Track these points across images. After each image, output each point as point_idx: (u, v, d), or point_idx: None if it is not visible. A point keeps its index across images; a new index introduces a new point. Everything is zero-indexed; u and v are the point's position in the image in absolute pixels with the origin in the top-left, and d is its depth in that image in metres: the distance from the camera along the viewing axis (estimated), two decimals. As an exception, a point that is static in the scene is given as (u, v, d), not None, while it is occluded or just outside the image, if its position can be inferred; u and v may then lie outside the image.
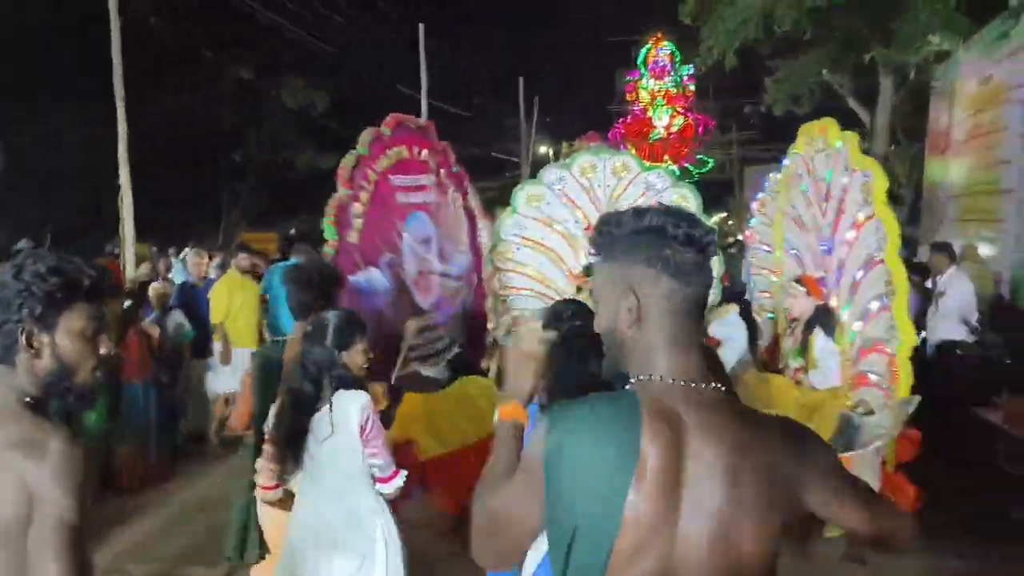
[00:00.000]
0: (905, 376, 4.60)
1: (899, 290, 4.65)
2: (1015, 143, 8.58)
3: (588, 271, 6.20)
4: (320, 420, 3.18)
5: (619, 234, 1.53)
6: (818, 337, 5.15)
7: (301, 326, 3.66)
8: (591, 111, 36.22)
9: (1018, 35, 8.71)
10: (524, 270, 6.68)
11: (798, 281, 5.49)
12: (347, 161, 5.60)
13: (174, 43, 18.84)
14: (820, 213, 5.49)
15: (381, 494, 3.25)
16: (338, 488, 3.18)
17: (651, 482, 1.37)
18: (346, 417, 3.15)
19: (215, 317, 7.45)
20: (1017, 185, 8.45)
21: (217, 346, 7.47)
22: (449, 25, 49.73)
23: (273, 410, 3.35)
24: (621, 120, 29.64)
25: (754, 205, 8.68)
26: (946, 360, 7.12)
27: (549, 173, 6.95)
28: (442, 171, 6.76)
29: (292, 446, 3.21)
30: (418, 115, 21.96)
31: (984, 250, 9.52)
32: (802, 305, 5.32)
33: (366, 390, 3.30)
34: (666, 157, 26.95)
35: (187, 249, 10.46)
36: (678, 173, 22.56)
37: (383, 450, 3.23)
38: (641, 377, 1.50)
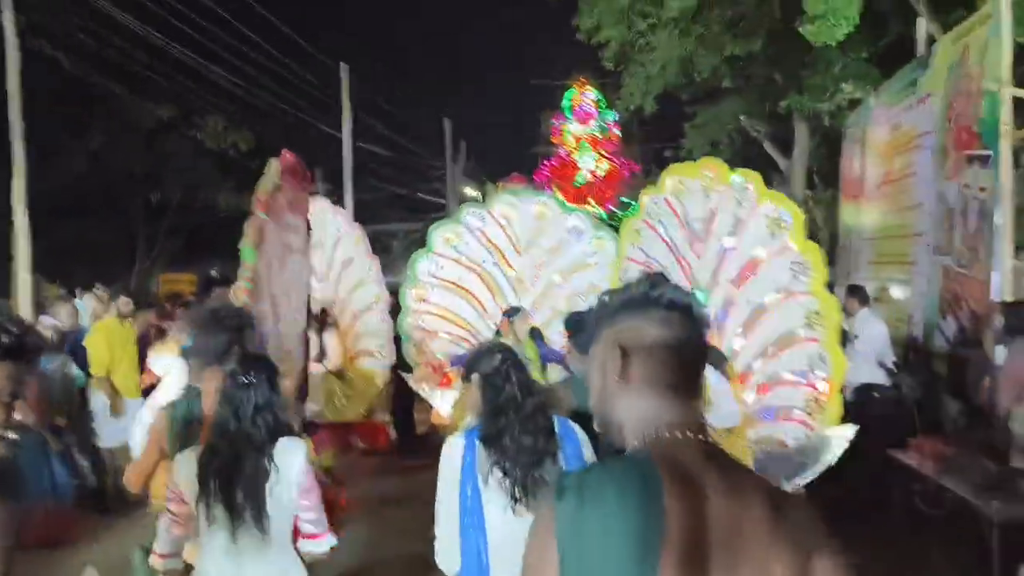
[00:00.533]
0: (835, 407, 4.65)
1: (830, 321, 4.67)
2: (924, 188, 8.78)
3: (511, 312, 6.13)
4: (256, 471, 2.84)
5: (605, 311, 1.53)
6: (710, 376, 5.02)
7: (214, 372, 3.34)
8: (516, 154, 36.53)
9: (925, 84, 8.96)
10: (439, 311, 6.50)
11: None
12: (264, 186, 5.35)
13: (84, 80, 18.23)
14: (692, 254, 5.36)
15: (304, 554, 2.97)
16: (265, 548, 2.84)
17: (681, 551, 1.25)
18: (288, 467, 2.87)
19: (96, 369, 6.95)
20: (927, 228, 8.62)
21: (101, 398, 7.03)
22: (374, 66, 49.79)
23: (186, 466, 2.94)
24: (546, 162, 29.88)
25: None
26: (862, 403, 7.15)
27: (468, 214, 6.83)
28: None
29: (218, 501, 2.82)
30: (340, 155, 21.81)
31: (897, 292, 9.68)
32: None
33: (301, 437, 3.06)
34: (591, 200, 27.22)
35: (93, 291, 10.01)
36: (605, 216, 22.75)
37: (318, 505, 2.96)
38: (648, 433, 1.41)
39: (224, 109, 24.80)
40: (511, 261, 6.89)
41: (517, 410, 2.76)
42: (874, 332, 7.61)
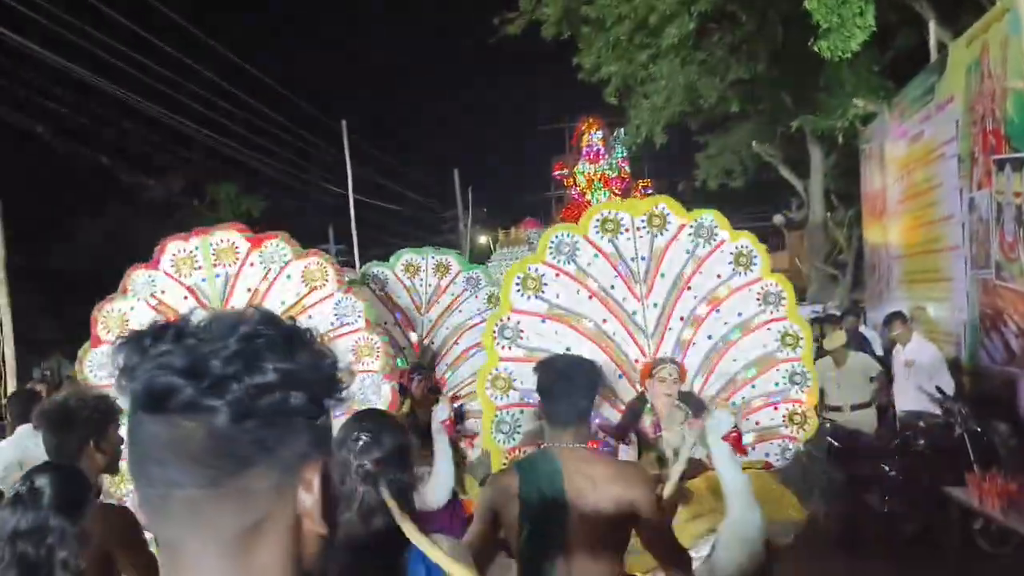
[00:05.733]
0: (813, 420, 4.81)
1: (807, 341, 4.82)
2: (953, 198, 8.30)
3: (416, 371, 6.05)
4: None
5: None
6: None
7: None
8: (528, 199, 36.37)
9: (943, 89, 8.52)
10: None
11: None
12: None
13: (95, 161, 18.23)
14: (631, 296, 4.85)
15: None
16: None
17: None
18: None
19: None
20: (960, 241, 8.13)
21: None
22: (379, 123, 50.20)
23: None
24: (561, 206, 29.70)
25: None
26: (909, 433, 6.66)
27: (372, 272, 6.81)
28: None
29: None
30: (347, 211, 21.66)
31: (933, 311, 9.18)
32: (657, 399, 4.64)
33: None
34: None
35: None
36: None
37: None
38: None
39: (234, 178, 24.86)
40: (412, 319, 6.85)
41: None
42: (931, 356, 7.35)
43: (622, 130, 15.43)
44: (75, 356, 4.99)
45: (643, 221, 4.80)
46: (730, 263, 4.81)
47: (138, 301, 4.92)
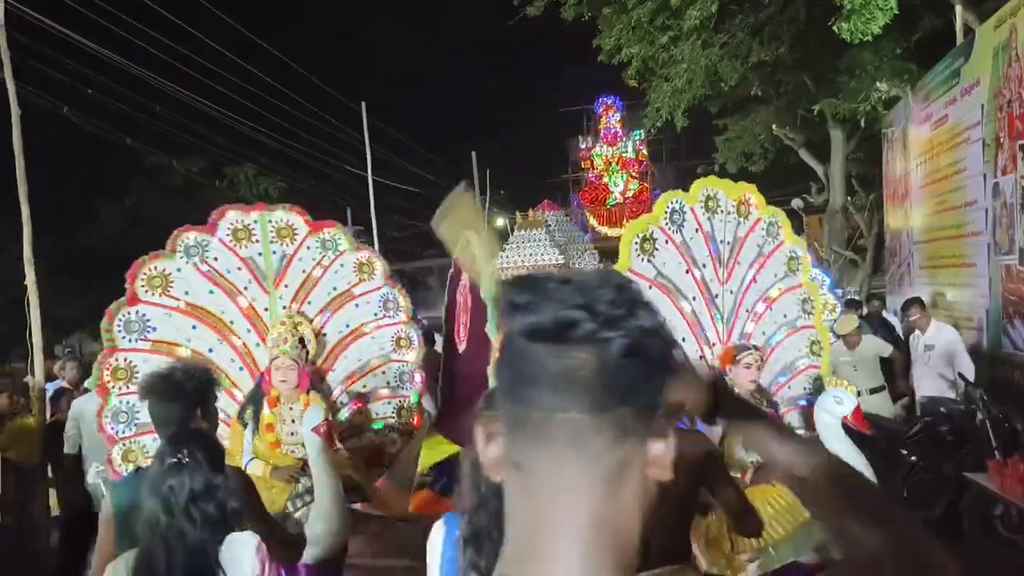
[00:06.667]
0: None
1: (826, 348, 5.01)
2: (977, 184, 8.23)
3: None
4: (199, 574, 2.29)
5: None
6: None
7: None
8: (546, 181, 36.26)
9: (969, 73, 8.43)
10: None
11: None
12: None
13: (116, 142, 18.31)
14: (716, 278, 4.80)
15: None
16: None
17: None
18: (236, 570, 2.32)
19: None
20: (984, 227, 8.07)
21: None
22: (398, 104, 50.10)
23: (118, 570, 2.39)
24: (579, 189, 29.59)
25: None
26: (930, 420, 6.63)
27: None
28: None
29: None
30: (366, 192, 21.70)
31: (954, 296, 9.13)
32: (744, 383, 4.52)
33: (244, 527, 2.44)
34: (626, 221, 26.79)
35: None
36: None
37: None
38: None
39: (254, 159, 24.95)
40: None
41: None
42: (949, 339, 7.30)
43: (645, 115, 15.28)
44: (98, 334, 4.88)
45: (733, 205, 4.80)
46: (784, 264, 4.91)
47: (186, 263, 4.85)
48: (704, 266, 4.76)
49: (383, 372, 5.31)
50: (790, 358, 4.93)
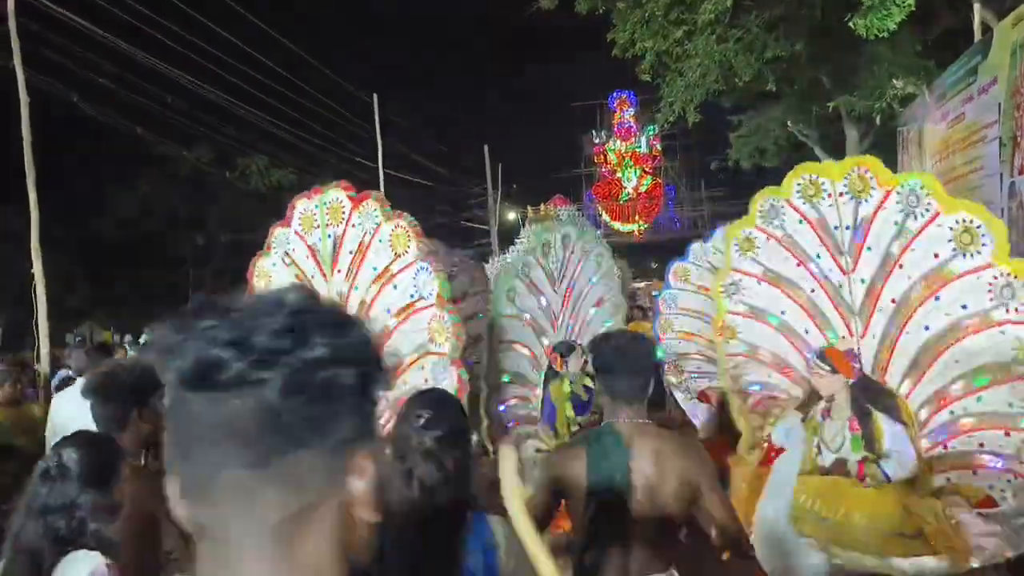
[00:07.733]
0: None
1: None
2: (993, 184, 8.12)
3: (565, 351, 5.76)
4: None
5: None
6: (883, 423, 4.09)
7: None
8: (558, 176, 36.18)
9: (986, 70, 8.31)
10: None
11: (821, 357, 4.29)
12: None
13: (126, 132, 18.30)
14: (836, 266, 4.51)
15: None
16: None
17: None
18: None
19: None
20: (1000, 227, 7.96)
21: None
22: (411, 95, 50.03)
23: None
24: (591, 184, 29.50)
25: (670, 274, 7.28)
26: None
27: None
28: None
29: None
30: (377, 186, 21.65)
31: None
32: (829, 385, 4.25)
33: (112, 549, 2.21)
34: (637, 216, 26.74)
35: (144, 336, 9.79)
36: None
37: None
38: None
39: (264, 149, 24.94)
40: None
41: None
42: None
43: (658, 110, 15.19)
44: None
45: (844, 186, 4.38)
46: (950, 240, 4.10)
47: (277, 258, 4.95)
48: (819, 256, 4.52)
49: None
50: (987, 359, 4.08)
